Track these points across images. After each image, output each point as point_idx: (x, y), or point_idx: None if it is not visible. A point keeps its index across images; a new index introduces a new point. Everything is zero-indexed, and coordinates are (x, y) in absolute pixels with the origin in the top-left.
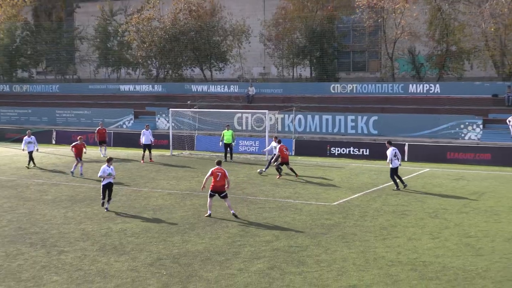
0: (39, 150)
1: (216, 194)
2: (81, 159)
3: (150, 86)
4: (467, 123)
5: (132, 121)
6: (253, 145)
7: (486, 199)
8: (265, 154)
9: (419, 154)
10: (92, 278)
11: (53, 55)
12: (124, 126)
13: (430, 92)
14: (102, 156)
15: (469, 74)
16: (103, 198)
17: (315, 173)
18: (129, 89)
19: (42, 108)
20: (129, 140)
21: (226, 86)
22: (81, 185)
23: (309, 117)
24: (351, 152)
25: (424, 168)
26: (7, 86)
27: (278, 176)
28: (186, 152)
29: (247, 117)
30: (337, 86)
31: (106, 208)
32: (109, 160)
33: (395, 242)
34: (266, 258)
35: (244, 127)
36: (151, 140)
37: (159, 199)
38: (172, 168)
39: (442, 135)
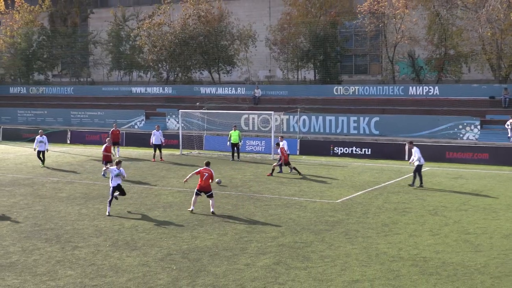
0: (49, 150)
1: (203, 193)
2: (109, 162)
3: (161, 88)
4: (465, 124)
5: (143, 122)
6: (260, 145)
7: (484, 197)
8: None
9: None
10: (105, 273)
11: (68, 58)
12: (136, 127)
13: (430, 94)
14: (116, 156)
15: (467, 77)
16: (111, 198)
17: (319, 171)
18: (140, 91)
19: (58, 109)
20: (141, 140)
21: (233, 88)
22: (94, 183)
23: (313, 118)
24: (354, 152)
25: (424, 168)
26: (24, 88)
27: (268, 174)
28: (195, 152)
29: (253, 118)
30: (340, 88)
31: (108, 213)
32: (118, 163)
33: (397, 239)
34: (272, 253)
35: (250, 128)
36: (161, 141)
37: (169, 196)
38: (182, 166)
39: (441, 135)
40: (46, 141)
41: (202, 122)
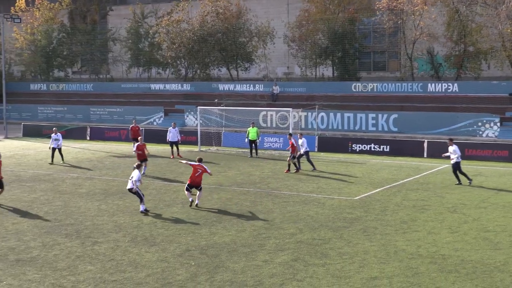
0: (61, 147)
1: (194, 187)
2: (145, 160)
3: (179, 85)
4: (484, 121)
5: (162, 119)
6: (278, 141)
7: (504, 195)
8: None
9: (438, 151)
10: (124, 268)
11: (87, 55)
12: (155, 123)
13: (449, 91)
14: (133, 153)
15: (486, 74)
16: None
17: (337, 168)
18: (159, 88)
19: (77, 105)
20: (159, 136)
21: (251, 85)
22: (113, 179)
23: (331, 114)
24: (372, 149)
25: (443, 165)
26: (45, 85)
27: (286, 171)
28: (213, 148)
29: (271, 115)
30: (358, 85)
31: (146, 210)
32: (139, 167)
33: (415, 236)
34: (290, 250)
35: (269, 124)
36: (178, 138)
37: None
38: None
39: (460, 132)
40: (61, 138)
41: (220, 119)
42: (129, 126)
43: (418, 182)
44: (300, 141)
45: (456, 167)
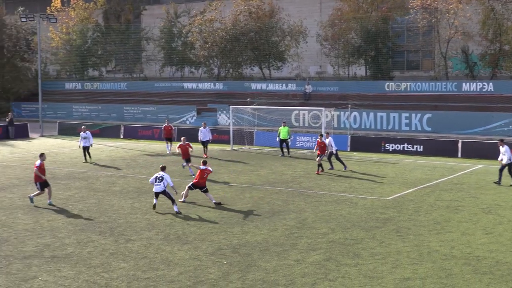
0: (93, 145)
1: (198, 188)
2: (189, 160)
3: (212, 84)
4: None
5: (194, 117)
6: (310, 140)
7: None
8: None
9: (473, 151)
10: (157, 266)
11: (121, 55)
12: (187, 122)
13: (483, 90)
14: (167, 152)
15: None
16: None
17: (370, 168)
18: (192, 87)
19: (111, 104)
20: (192, 135)
21: (284, 84)
22: (147, 177)
23: (364, 114)
24: (405, 149)
25: (478, 165)
26: (79, 84)
27: (317, 172)
28: (245, 147)
29: (304, 114)
30: (392, 85)
31: (177, 211)
32: (163, 168)
33: (449, 237)
34: (322, 250)
35: (301, 124)
36: (209, 137)
37: (220, 191)
38: (232, 162)
39: (495, 132)
40: (90, 136)
41: (253, 118)
42: (162, 126)
43: (452, 182)
44: (326, 141)
45: (508, 168)
